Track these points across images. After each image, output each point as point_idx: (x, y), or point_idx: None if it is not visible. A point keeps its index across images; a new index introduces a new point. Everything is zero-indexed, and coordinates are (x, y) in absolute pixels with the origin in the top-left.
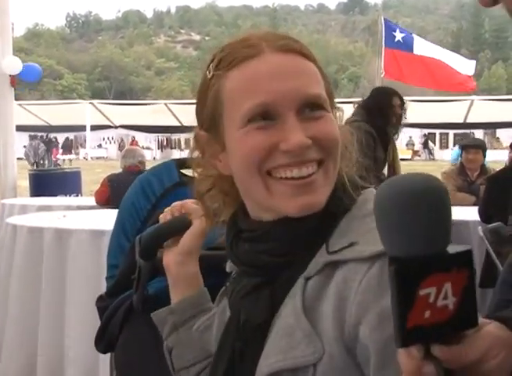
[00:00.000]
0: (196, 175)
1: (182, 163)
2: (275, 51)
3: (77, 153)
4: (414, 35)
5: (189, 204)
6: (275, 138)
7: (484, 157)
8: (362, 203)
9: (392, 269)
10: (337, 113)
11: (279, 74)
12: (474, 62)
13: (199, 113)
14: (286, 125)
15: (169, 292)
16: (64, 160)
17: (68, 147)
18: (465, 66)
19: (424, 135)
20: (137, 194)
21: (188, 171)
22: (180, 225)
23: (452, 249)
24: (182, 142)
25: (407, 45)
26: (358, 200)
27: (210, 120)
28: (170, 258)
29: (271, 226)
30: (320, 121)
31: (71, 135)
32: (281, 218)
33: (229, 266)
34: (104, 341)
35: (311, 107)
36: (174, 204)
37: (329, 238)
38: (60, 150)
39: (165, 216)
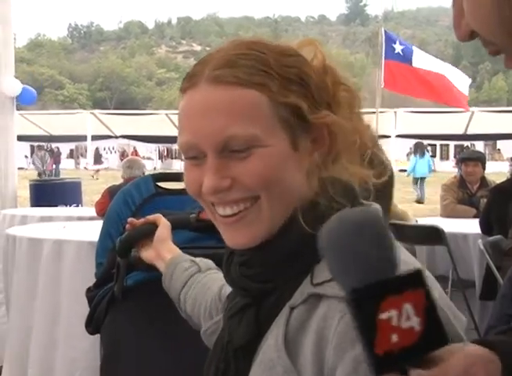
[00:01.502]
0: None
1: (158, 177)
2: (209, 82)
3: (78, 163)
4: (414, 48)
5: (153, 215)
6: (202, 176)
7: (484, 169)
8: None
9: (348, 299)
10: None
11: (204, 112)
12: (469, 80)
13: None
14: (206, 166)
15: (145, 283)
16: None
17: (96, 157)
18: (462, 82)
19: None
20: (119, 204)
21: (163, 184)
22: (146, 229)
23: (403, 271)
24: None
25: (406, 57)
26: None
27: None
28: (147, 251)
29: (253, 252)
30: (246, 160)
31: (98, 144)
32: (261, 243)
33: None
34: (92, 324)
35: (234, 146)
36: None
37: (315, 267)
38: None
39: (131, 222)
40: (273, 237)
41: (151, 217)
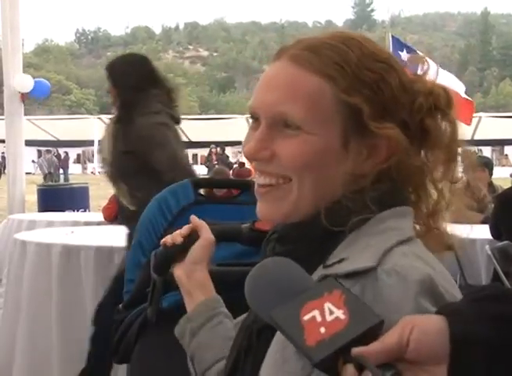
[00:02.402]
0: None
1: (197, 183)
2: (288, 59)
3: (85, 168)
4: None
5: (197, 219)
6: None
7: (491, 174)
8: (380, 220)
9: (268, 317)
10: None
11: (268, 83)
12: (463, 87)
13: None
14: (257, 132)
15: (182, 305)
16: None
17: None
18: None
19: None
20: (154, 212)
21: (203, 191)
22: (190, 242)
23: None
24: (190, 158)
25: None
26: (378, 215)
27: None
28: (180, 270)
29: (288, 229)
30: (288, 139)
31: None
32: (293, 222)
33: None
34: (120, 352)
35: (283, 124)
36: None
37: (332, 252)
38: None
39: (174, 237)
40: (307, 219)
41: (194, 223)
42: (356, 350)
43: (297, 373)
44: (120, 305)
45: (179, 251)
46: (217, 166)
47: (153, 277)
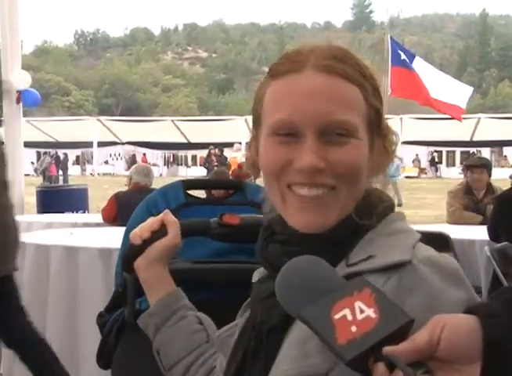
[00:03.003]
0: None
1: (189, 184)
2: (317, 70)
3: (84, 170)
4: (417, 57)
5: (170, 216)
6: (293, 155)
7: (490, 175)
8: (388, 222)
9: (299, 316)
10: (391, 137)
11: (311, 94)
12: (471, 89)
13: (252, 109)
14: (305, 145)
15: None
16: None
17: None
18: (462, 93)
19: (431, 152)
20: (143, 213)
21: (194, 192)
22: (157, 237)
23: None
24: (189, 159)
25: (411, 64)
26: (385, 218)
27: (254, 118)
28: (140, 261)
29: (297, 234)
30: (342, 147)
31: (104, 150)
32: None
33: (255, 277)
34: (103, 358)
35: (336, 132)
36: (152, 218)
37: (350, 252)
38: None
39: (142, 231)
40: (340, 222)
41: (165, 219)
42: (387, 349)
43: (319, 366)
44: (103, 310)
45: (145, 247)
46: (216, 167)
47: (124, 276)
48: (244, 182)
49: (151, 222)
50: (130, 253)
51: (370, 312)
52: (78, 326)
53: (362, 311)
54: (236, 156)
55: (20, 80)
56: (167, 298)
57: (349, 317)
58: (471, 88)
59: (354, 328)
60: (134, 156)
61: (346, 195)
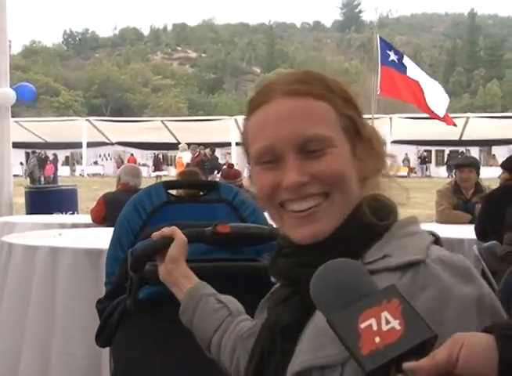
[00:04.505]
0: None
1: (169, 184)
2: (285, 96)
3: (73, 170)
4: (406, 58)
5: (169, 228)
6: (279, 177)
7: (478, 174)
8: (402, 225)
9: (328, 321)
10: (376, 138)
11: (282, 119)
12: (447, 99)
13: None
14: (287, 166)
15: (156, 296)
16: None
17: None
18: (441, 100)
19: (419, 152)
20: (130, 212)
21: (174, 192)
22: (161, 244)
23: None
24: None
25: (401, 65)
26: (398, 221)
27: (245, 151)
28: (162, 271)
29: (300, 246)
30: (321, 158)
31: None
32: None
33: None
34: (103, 337)
35: (312, 147)
36: (155, 233)
37: (366, 253)
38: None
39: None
40: (343, 226)
41: (167, 230)
42: (408, 365)
43: (334, 357)
44: (102, 297)
45: (152, 252)
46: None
47: (130, 274)
48: (218, 182)
49: (158, 234)
50: (139, 258)
51: (395, 324)
52: (62, 327)
53: (387, 322)
54: (181, 156)
55: (5, 97)
56: (191, 289)
57: (374, 327)
58: (447, 99)
59: (377, 339)
60: (120, 157)
61: (340, 200)
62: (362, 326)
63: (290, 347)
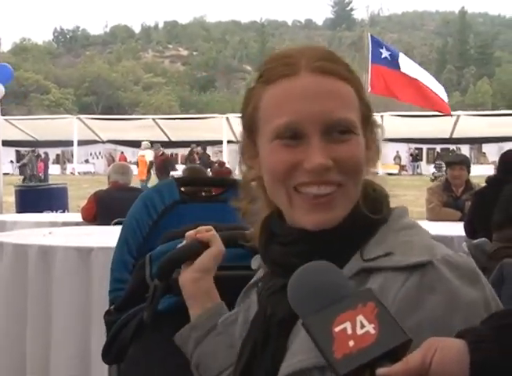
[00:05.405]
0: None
1: (182, 182)
2: (312, 72)
3: (64, 168)
4: (400, 54)
5: (207, 233)
6: (299, 156)
7: (469, 172)
8: (397, 217)
9: (304, 325)
10: (377, 130)
11: (310, 96)
12: (445, 94)
13: (242, 115)
14: (311, 146)
15: (177, 308)
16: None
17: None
18: (441, 90)
19: (410, 149)
20: (139, 211)
21: (188, 190)
22: (195, 250)
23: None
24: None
25: (394, 62)
26: (392, 213)
27: (249, 126)
28: (186, 276)
29: (303, 234)
30: (345, 144)
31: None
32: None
33: (255, 264)
34: (112, 353)
35: (338, 130)
36: (189, 232)
37: (364, 247)
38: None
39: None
40: (349, 216)
41: (206, 234)
42: (381, 371)
43: None
44: (112, 307)
45: (183, 259)
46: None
47: (155, 283)
48: (236, 179)
49: (193, 235)
50: (168, 264)
51: (370, 328)
52: (53, 326)
53: (362, 326)
54: (144, 154)
55: None
56: (210, 310)
57: (349, 331)
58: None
59: (351, 343)
60: (111, 155)
61: (352, 191)
62: (337, 329)
63: (284, 342)
